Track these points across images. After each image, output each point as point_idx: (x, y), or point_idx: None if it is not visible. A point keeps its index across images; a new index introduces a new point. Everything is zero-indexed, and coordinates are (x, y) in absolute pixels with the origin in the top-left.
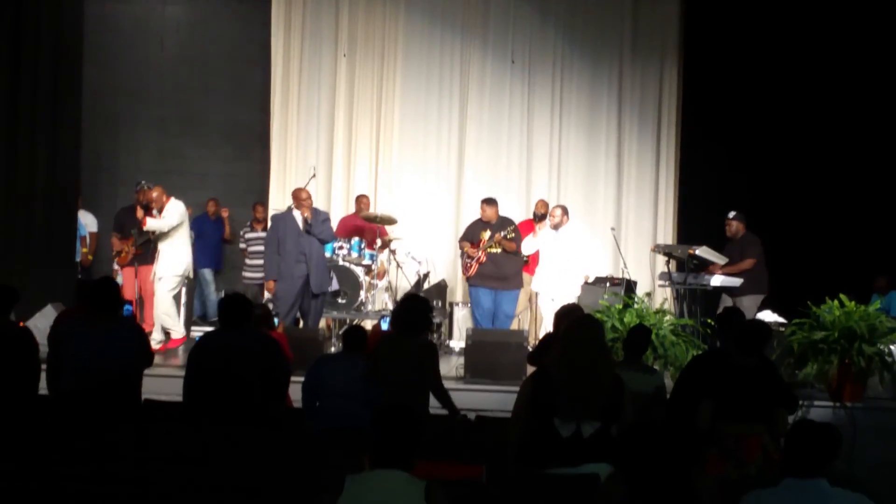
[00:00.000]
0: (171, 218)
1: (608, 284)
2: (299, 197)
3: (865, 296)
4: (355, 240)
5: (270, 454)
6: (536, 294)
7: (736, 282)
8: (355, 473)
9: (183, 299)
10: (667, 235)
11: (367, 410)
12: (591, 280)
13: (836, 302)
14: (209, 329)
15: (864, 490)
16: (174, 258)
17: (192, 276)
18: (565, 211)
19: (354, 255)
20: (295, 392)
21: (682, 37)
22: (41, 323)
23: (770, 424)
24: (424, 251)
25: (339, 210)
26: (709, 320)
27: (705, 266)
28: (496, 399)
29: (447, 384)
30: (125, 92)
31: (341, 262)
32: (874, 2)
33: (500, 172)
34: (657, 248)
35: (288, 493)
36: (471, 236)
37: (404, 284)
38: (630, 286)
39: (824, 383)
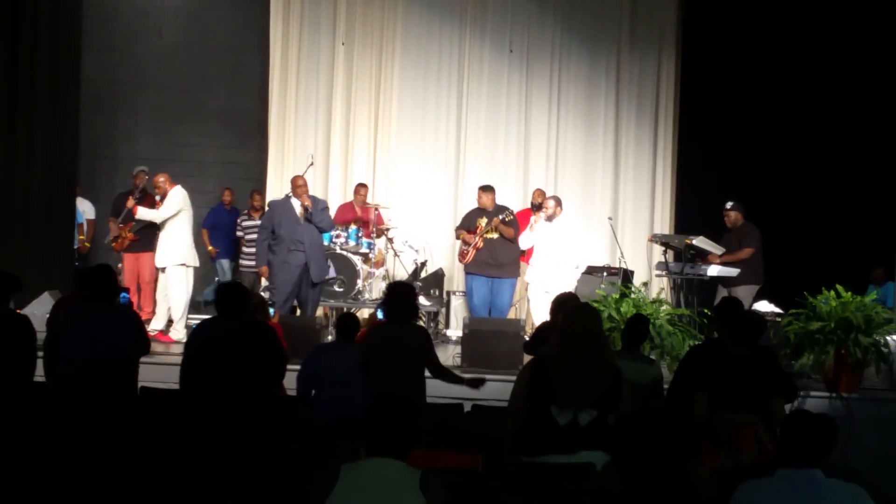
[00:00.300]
0: (166, 209)
1: (605, 274)
2: (295, 184)
3: (862, 286)
4: (353, 228)
5: (268, 442)
6: (528, 284)
7: (733, 272)
8: (351, 462)
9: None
10: (664, 225)
11: (365, 399)
12: (580, 268)
13: (832, 292)
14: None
15: (859, 481)
16: (174, 247)
17: (196, 264)
18: (559, 202)
19: (352, 243)
20: (290, 381)
21: (679, 26)
22: (38, 310)
23: (766, 415)
24: (422, 240)
25: (336, 198)
26: (705, 310)
27: (702, 256)
28: (493, 388)
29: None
30: (123, 79)
31: (339, 251)
32: None
33: (497, 161)
34: (654, 238)
35: (284, 481)
36: (467, 224)
37: (401, 273)
38: (627, 276)
39: (820, 374)
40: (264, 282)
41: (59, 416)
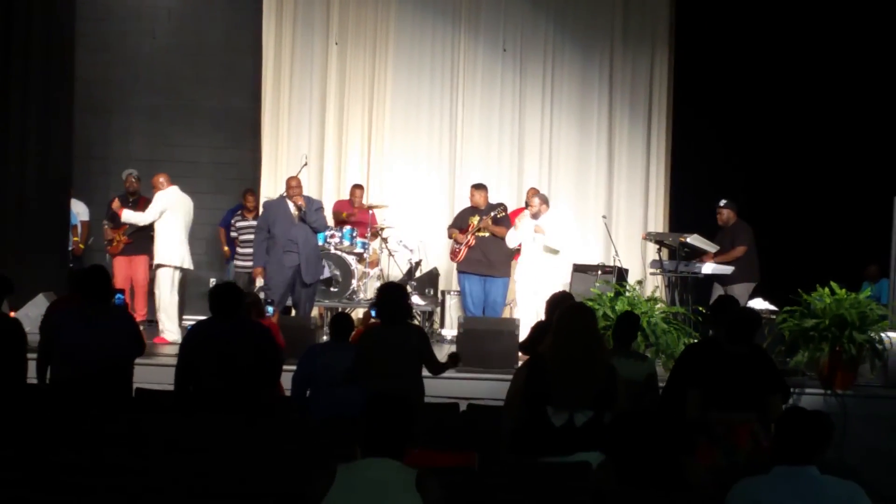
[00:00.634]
0: (148, 213)
1: (600, 272)
2: (289, 185)
3: (856, 283)
4: (347, 228)
5: (263, 443)
6: (505, 285)
7: (727, 270)
8: (347, 462)
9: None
10: (658, 223)
11: (360, 399)
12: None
13: (826, 290)
14: None
15: (855, 477)
16: (164, 250)
17: (186, 266)
18: (544, 200)
19: (346, 243)
20: (287, 381)
21: (672, 24)
22: (32, 312)
23: (762, 412)
24: (416, 239)
25: (330, 198)
26: (700, 308)
27: (697, 254)
28: (488, 387)
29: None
30: (117, 80)
31: (333, 251)
32: None
33: (491, 160)
34: (648, 236)
35: (280, 481)
36: (460, 223)
37: (396, 273)
38: (621, 274)
39: (815, 371)
40: (259, 282)
41: (54, 417)
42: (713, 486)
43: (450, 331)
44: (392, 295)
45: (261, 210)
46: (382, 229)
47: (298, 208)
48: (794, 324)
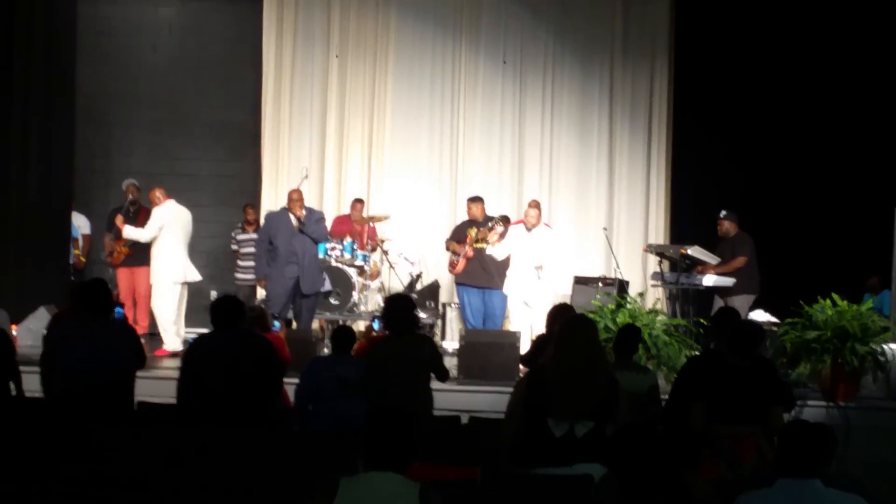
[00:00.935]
0: (148, 230)
1: (600, 284)
2: (290, 198)
3: (858, 295)
4: (347, 240)
5: (266, 455)
6: (505, 300)
7: (728, 281)
8: (349, 475)
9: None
10: (658, 235)
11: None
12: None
13: (828, 301)
14: None
15: (858, 490)
16: (163, 264)
17: (187, 279)
18: (540, 212)
19: (347, 255)
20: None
21: (672, 36)
22: (34, 325)
23: (765, 425)
24: (417, 252)
25: (331, 210)
26: (701, 320)
27: (697, 265)
28: (489, 400)
29: (440, 385)
30: (117, 93)
31: (334, 263)
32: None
33: (492, 172)
34: (649, 248)
35: (283, 494)
36: (458, 236)
37: (397, 285)
38: (622, 286)
39: (817, 383)
40: (260, 294)
41: (55, 430)
42: (718, 500)
43: (451, 343)
44: (401, 306)
45: (262, 222)
46: (383, 241)
47: (298, 220)
48: (796, 336)
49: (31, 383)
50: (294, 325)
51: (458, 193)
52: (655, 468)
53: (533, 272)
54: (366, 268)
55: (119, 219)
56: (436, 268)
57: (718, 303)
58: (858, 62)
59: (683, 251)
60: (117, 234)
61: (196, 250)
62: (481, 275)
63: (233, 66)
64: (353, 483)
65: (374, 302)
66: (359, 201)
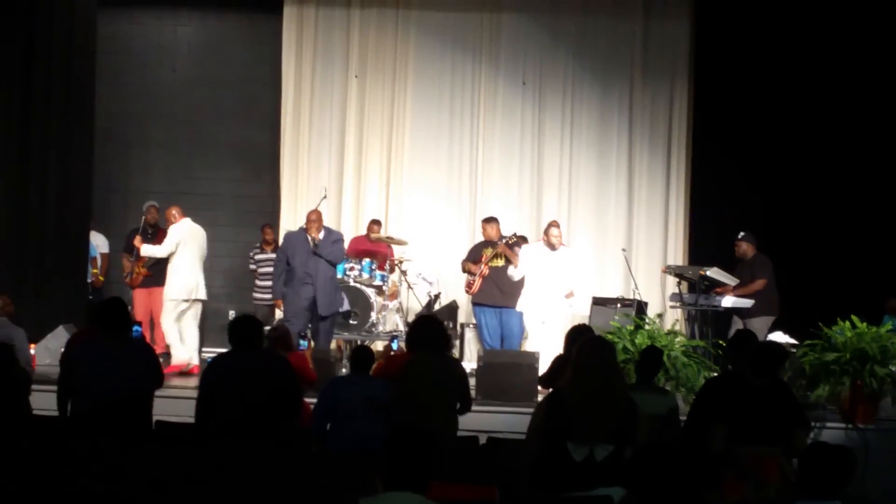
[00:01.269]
0: (166, 246)
1: (619, 305)
2: (308, 218)
3: (877, 317)
4: (366, 261)
5: (284, 475)
6: (521, 318)
7: (747, 303)
8: (369, 495)
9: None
10: (677, 256)
11: (381, 432)
12: (572, 298)
13: (847, 323)
14: None
15: None
16: (175, 282)
17: (200, 297)
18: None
19: (365, 275)
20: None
21: (692, 57)
22: (52, 344)
23: (786, 446)
24: (435, 272)
25: (348, 230)
26: (720, 341)
27: (716, 287)
28: (508, 420)
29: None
30: (137, 113)
31: (352, 283)
32: (890, 22)
33: (511, 193)
34: (668, 269)
35: None
36: (473, 256)
37: (415, 305)
38: (641, 307)
39: (836, 405)
40: (278, 314)
41: (73, 448)
42: None
43: (469, 364)
44: (432, 325)
45: (280, 242)
46: (401, 262)
47: (313, 242)
48: (815, 357)
49: (49, 402)
50: (311, 345)
51: (476, 214)
52: (675, 489)
53: (554, 292)
54: (384, 288)
55: (137, 239)
56: (454, 288)
57: (738, 324)
58: (878, 87)
59: (702, 272)
60: (137, 255)
61: (214, 270)
62: (497, 294)
63: (252, 85)
64: (373, 503)
65: (393, 322)
66: (375, 222)
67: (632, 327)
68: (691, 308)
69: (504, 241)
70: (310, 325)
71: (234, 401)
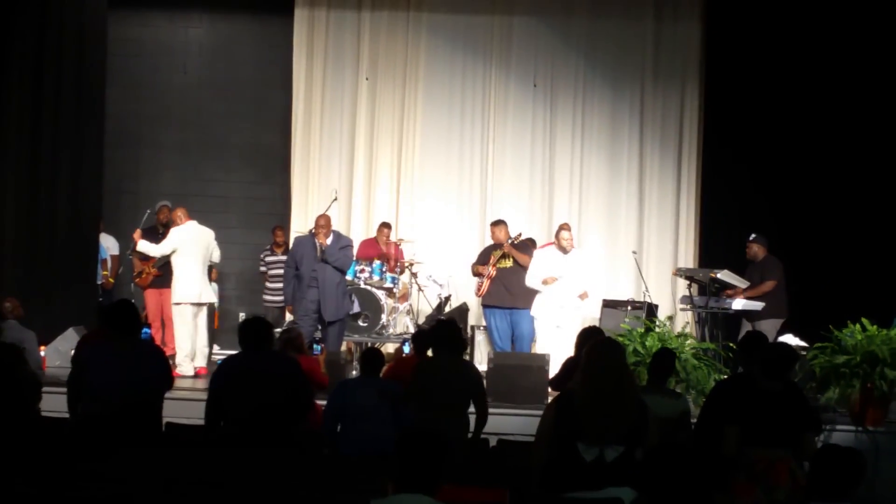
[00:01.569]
0: (162, 246)
1: (629, 308)
2: (316, 223)
3: (887, 319)
4: (377, 263)
5: (294, 478)
6: (532, 320)
7: (758, 305)
8: (379, 498)
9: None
10: (688, 259)
11: (394, 435)
12: (585, 298)
13: (857, 326)
14: None
15: None
16: (178, 286)
17: (207, 300)
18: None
19: (376, 278)
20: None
21: (702, 60)
22: (62, 346)
23: (797, 449)
24: (446, 274)
25: (359, 233)
26: (730, 344)
27: (727, 289)
28: (518, 422)
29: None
30: (147, 115)
31: (363, 285)
32: None
33: (522, 195)
34: (679, 272)
35: None
36: (482, 260)
37: (425, 308)
38: (651, 309)
39: (846, 407)
40: (289, 317)
41: (83, 451)
42: None
43: (480, 366)
44: (453, 328)
45: (290, 244)
46: (412, 264)
47: (320, 248)
48: (825, 360)
49: (59, 404)
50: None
51: (487, 216)
52: (687, 491)
53: (567, 296)
54: (395, 290)
55: (137, 233)
56: (464, 291)
57: (746, 327)
58: (889, 89)
59: (713, 275)
60: (133, 249)
61: (225, 272)
62: (505, 295)
63: (263, 88)
64: None
65: (403, 324)
66: (385, 225)
67: (642, 330)
68: (702, 310)
69: (510, 241)
70: (319, 327)
71: (243, 402)
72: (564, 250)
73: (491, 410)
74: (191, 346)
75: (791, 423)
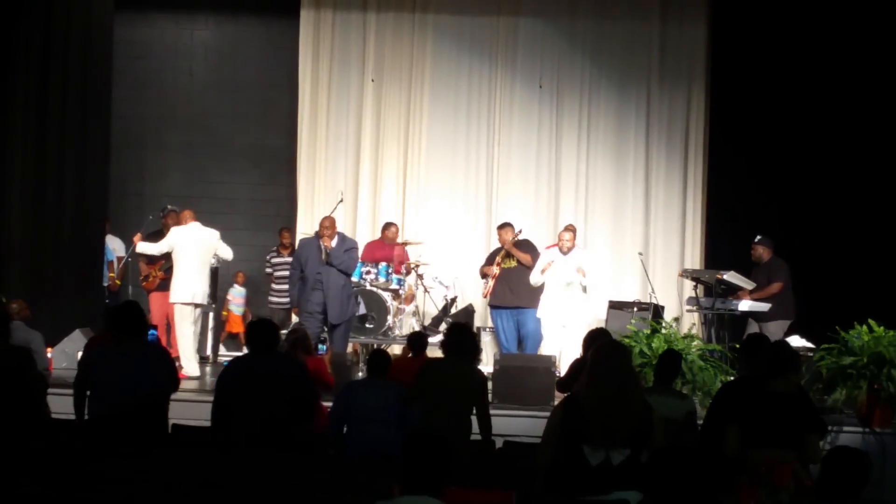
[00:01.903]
0: (159, 245)
1: (636, 309)
2: (321, 225)
3: (894, 320)
4: (382, 264)
5: (300, 479)
6: (539, 320)
7: (764, 307)
8: (385, 500)
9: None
10: (694, 260)
11: (399, 436)
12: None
13: (864, 327)
14: None
15: None
16: (178, 286)
17: (200, 301)
18: (575, 235)
19: (382, 279)
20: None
21: (709, 61)
22: (69, 348)
23: (800, 451)
24: (452, 276)
25: (365, 234)
26: (737, 345)
27: (733, 291)
28: (524, 424)
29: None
30: (153, 117)
31: (368, 287)
32: None
33: (528, 197)
34: (685, 273)
35: None
36: (489, 262)
37: (431, 309)
38: (658, 311)
39: (853, 409)
40: (294, 318)
41: (89, 452)
42: None
43: (485, 367)
44: (467, 333)
45: (297, 246)
46: (417, 265)
47: (325, 250)
48: (832, 361)
49: (66, 405)
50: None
51: (493, 217)
52: (692, 493)
53: (571, 296)
54: (400, 292)
55: (137, 236)
56: (470, 292)
57: (753, 328)
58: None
59: (719, 276)
60: (132, 251)
61: (232, 274)
62: (508, 295)
63: (268, 89)
64: None
65: (409, 326)
66: (391, 224)
67: (648, 331)
68: (708, 312)
69: (511, 239)
70: (324, 328)
71: (250, 404)
72: (562, 251)
73: (497, 412)
74: (190, 344)
75: (794, 425)
